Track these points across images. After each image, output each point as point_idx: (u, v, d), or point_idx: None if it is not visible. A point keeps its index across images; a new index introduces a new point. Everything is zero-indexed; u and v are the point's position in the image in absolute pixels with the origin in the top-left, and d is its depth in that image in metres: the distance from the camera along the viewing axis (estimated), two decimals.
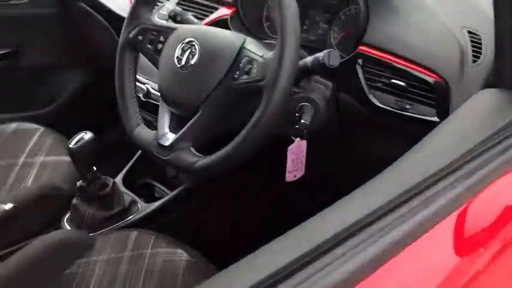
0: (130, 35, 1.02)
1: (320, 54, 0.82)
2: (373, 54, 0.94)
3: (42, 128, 1.52)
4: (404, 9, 0.96)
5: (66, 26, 1.87)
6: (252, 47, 0.87)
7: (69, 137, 1.47)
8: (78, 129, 1.94)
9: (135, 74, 1.06)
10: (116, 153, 1.56)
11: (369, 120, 0.97)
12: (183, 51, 0.92)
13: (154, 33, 1.00)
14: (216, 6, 1.19)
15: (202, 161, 0.86)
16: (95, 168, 1.19)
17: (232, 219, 1.43)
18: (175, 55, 0.93)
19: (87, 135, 1.19)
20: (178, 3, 1.24)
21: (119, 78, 1.05)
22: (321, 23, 1.10)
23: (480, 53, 0.91)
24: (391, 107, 0.92)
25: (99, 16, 1.58)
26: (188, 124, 0.90)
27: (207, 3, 1.19)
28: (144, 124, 1.02)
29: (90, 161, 1.19)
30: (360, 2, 0.97)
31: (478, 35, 0.93)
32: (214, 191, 1.38)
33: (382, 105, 0.93)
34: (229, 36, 0.92)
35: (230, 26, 1.14)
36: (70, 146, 1.17)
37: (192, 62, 0.90)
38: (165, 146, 0.92)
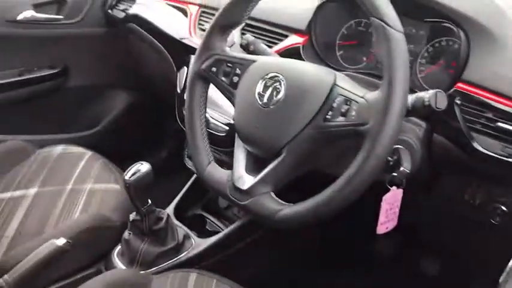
0: (203, 66, 0.95)
1: (424, 95, 0.72)
2: (474, 93, 0.84)
3: (89, 153, 1.46)
4: (508, 42, 0.87)
5: (114, 46, 1.84)
6: (345, 84, 0.78)
7: (114, 160, 1.44)
8: (122, 152, 1.92)
9: (205, 106, 0.98)
10: (162, 179, 1.50)
11: (468, 166, 0.87)
12: (266, 86, 0.84)
13: (229, 64, 0.92)
14: (285, 33, 1.11)
15: (288, 209, 0.77)
16: (149, 201, 1.12)
17: (292, 264, 1.33)
18: (257, 91, 0.85)
19: (144, 167, 1.12)
20: (243, 30, 1.17)
21: (188, 111, 0.97)
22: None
23: None
24: (496, 154, 0.83)
25: (150, 37, 1.53)
26: (269, 167, 0.82)
27: (276, 30, 1.11)
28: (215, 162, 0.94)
29: (146, 194, 1.12)
30: (459, 34, 0.88)
31: None
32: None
33: (485, 151, 0.83)
34: (319, 72, 0.83)
35: (303, 55, 1.06)
36: (126, 178, 1.10)
37: (277, 99, 0.82)
38: (242, 189, 0.83)
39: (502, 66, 0.85)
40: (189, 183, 1.43)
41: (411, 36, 0.99)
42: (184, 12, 1.41)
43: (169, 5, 1.51)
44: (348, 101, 0.74)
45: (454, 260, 1.25)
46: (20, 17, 1.60)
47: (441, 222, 1.01)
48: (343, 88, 0.77)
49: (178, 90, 1.33)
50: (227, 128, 1.18)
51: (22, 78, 1.66)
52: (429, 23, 0.95)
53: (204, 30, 1.30)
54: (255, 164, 0.87)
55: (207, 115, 1.20)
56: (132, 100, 1.94)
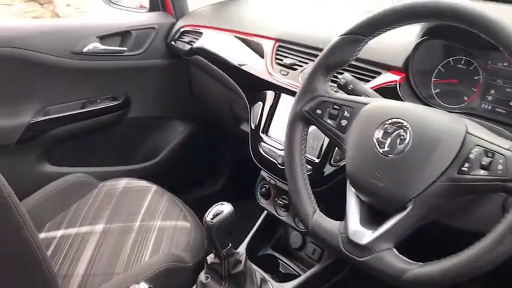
0: (306, 108, 0.91)
1: None
2: None
3: (154, 187, 1.43)
4: None
5: (176, 78, 1.83)
6: (481, 133, 0.72)
7: (172, 191, 1.40)
8: (180, 183, 1.89)
9: (305, 150, 0.93)
10: None
11: None
12: (387, 133, 0.78)
13: (336, 107, 0.87)
14: (378, 71, 1.06)
15: (419, 269, 0.70)
16: (230, 243, 1.06)
17: None
18: (375, 136, 0.79)
19: (227, 208, 1.07)
20: None
21: (288, 154, 0.93)
22: None
23: None
24: None
25: (219, 70, 1.50)
26: (392, 221, 0.75)
27: (368, 67, 1.06)
28: (318, 209, 0.88)
29: (227, 237, 1.07)
30: None
31: None
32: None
33: None
34: (447, 119, 0.77)
35: (400, 93, 1.01)
36: (208, 219, 1.05)
37: (401, 147, 0.76)
38: (360, 244, 0.77)
39: None
40: (259, 220, 1.38)
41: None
42: (258, 47, 1.37)
43: (238, 38, 1.48)
44: (489, 152, 0.68)
45: None
46: (85, 49, 1.60)
47: None
48: (479, 138, 0.71)
49: (253, 126, 1.29)
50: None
51: (85, 111, 1.65)
52: None
53: (282, 65, 1.26)
54: (370, 216, 0.81)
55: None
56: (190, 131, 1.92)
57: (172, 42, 1.73)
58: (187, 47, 1.65)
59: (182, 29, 1.71)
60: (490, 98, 0.98)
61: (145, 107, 1.81)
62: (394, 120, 0.78)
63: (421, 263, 0.71)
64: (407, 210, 0.74)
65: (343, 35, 0.87)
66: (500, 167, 0.66)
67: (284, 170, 1.16)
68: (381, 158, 0.77)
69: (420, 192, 0.72)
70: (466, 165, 0.69)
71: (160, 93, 1.82)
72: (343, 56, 0.87)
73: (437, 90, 1.04)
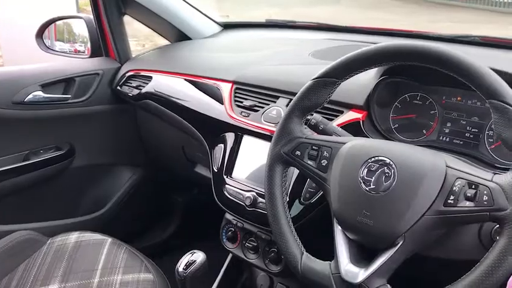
0: (284, 150, 0.92)
1: None
2: None
3: (109, 239, 1.36)
4: None
5: (122, 123, 1.78)
6: (460, 166, 0.76)
7: (126, 240, 1.34)
8: (134, 232, 1.81)
9: (287, 192, 0.93)
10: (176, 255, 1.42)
11: None
12: (371, 171, 0.81)
13: (314, 147, 0.89)
14: (341, 109, 1.10)
15: None
16: None
17: None
18: (360, 175, 0.81)
19: (199, 257, 1.04)
20: None
21: (269, 198, 0.92)
22: (469, 127, 1.02)
23: None
24: None
25: (173, 114, 1.48)
26: (384, 258, 0.76)
27: (331, 106, 1.10)
28: (303, 250, 0.88)
29: (201, 285, 1.03)
30: None
31: None
32: None
33: None
34: (427, 154, 0.81)
35: (364, 130, 1.05)
36: (180, 270, 1.02)
37: (387, 184, 0.78)
38: (354, 284, 0.77)
39: None
40: (225, 265, 1.35)
41: (476, 109, 1.01)
42: (214, 90, 1.38)
43: (189, 81, 1.47)
44: (472, 184, 0.72)
45: None
46: (27, 98, 1.52)
47: None
48: (460, 170, 0.75)
49: (215, 169, 1.28)
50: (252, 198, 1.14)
51: (28, 163, 1.55)
52: None
53: (242, 107, 1.27)
54: (360, 254, 0.82)
55: (253, 194, 1.16)
56: (139, 176, 1.87)
57: (118, 87, 1.69)
58: (135, 91, 1.61)
59: (128, 74, 1.68)
60: (447, 130, 1.04)
61: (91, 154, 1.73)
62: (377, 158, 0.81)
63: None
64: (398, 245, 0.76)
65: (317, 78, 0.89)
66: (485, 197, 0.70)
67: (253, 212, 1.16)
68: (368, 196, 0.79)
69: (410, 227, 0.75)
70: (452, 197, 0.73)
71: (106, 139, 1.76)
72: (318, 99, 0.90)
73: (396, 125, 1.09)
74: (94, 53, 1.76)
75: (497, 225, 0.75)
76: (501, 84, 0.72)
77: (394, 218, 0.76)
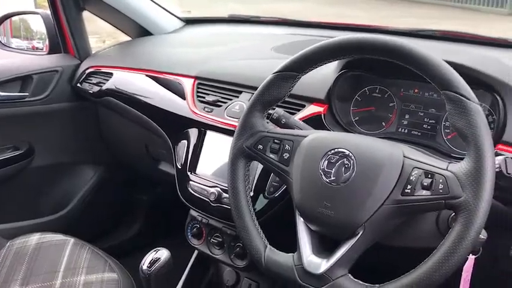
0: (247, 144, 0.91)
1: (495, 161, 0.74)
2: None
3: (71, 239, 1.33)
4: None
5: (83, 121, 1.74)
6: (417, 156, 0.78)
7: (91, 241, 1.32)
8: (97, 232, 1.78)
9: (250, 186, 0.93)
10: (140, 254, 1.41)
11: None
12: (331, 163, 0.81)
13: (276, 141, 0.89)
14: (303, 103, 1.11)
15: None
16: None
17: None
18: (320, 167, 0.82)
19: (163, 254, 1.03)
20: None
21: (233, 193, 0.92)
22: (426, 118, 1.04)
23: None
24: None
25: (134, 111, 1.46)
26: (345, 248, 0.78)
27: (293, 100, 1.10)
28: (269, 244, 0.88)
29: (166, 284, 1.02)
30: (495, 98, 0.92)
31: None
32: None
33: None
34: (385, 145, 0.82)
35: (325, 123, 1.06)
36: (144, 268, 1.01)
37: (347, 175, 0.79)
38: (316, 274, 0.78)
39: None
40: (190, 262, 1.34)
41: (433, 100, 1.03)
42: (176, 85, 1.36)
43: (151, 77, 1.45)
44: (428, 174, 0.74)
45: None
46: None
47: (487, 280, 1.02)
48: (416, 160, 0.76)
49: (179, 166, 1.26)
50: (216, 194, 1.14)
51: None
52: None
53: (205, 102, 1.26)
54: (322, 244, 0.83)
55: (218, 189, 1.15)
56: (101, 175, 1.83)
57: (78, 85, 1.65)
58: (96, 88, 1.58)
59: (88, 71, 1.65)
60: (405, 122, 1.06)
61: (51, 154, 1.69)
62: (337, 150, 0.82)
63: (377, 285, 0.74)
64: (359, 235, 0.77)
65: (277, 72, 0.90)
66: (441, 186, 0.72)
67: (217, 208, 1.16)
68: (328, 187, 0.80)
69: (369, 216, 0.76)
70: (409, 187, 0.75)
71: (66, 138, 1.72)
72: (279, 93, 0.90)
73: (357, 118, 1.11)
74: (52, 50, 1.71)
75: (454, 213, 0.77)
76: (454, 75, 0.74)
77: (354, 209, 0.78)
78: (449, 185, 0.71)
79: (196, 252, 1.35)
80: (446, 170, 0.72)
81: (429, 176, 0.73)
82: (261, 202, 1.11)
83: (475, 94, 0.82)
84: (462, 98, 0.72)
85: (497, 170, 0.74)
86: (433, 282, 0.69)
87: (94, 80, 1.60)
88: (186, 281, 1.31)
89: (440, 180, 0.72)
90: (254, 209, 1.09)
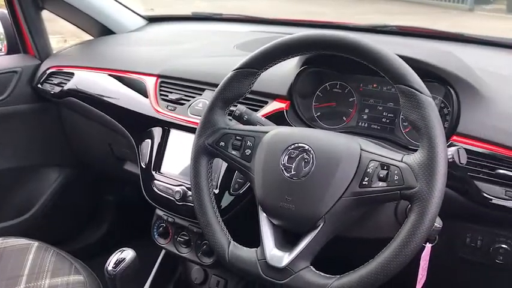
0: (209, 141, 0.92)
1: (448, 152, 0.77)
2: (470, 144, 0.90)
3: (35, 243, 1.31)
4: (490, 96, 0.94)
5: (45, 122, 1.71)
6: (374, 149, 0.80)
7: (56, 245, 1.30)
8: (63, 235, 1.74)
9: (212, 183, 0.94)
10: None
11: (471, 212, 0.93)
12: (291, 157, 0.83)
13: (238, 138, 0.90)
14: (265, 100, 1.12)
15: (338, 282, 0.74)
16: None
17: None
18: (281, 162, 0.83)
19: (129, 254, 1.02)
20: None
21: (196, 190, 0.92)
22: (385, 112, 1.07)
23: None
24: (500, 198, 0.89)
25: (97, 111, 1.44)
26: (306, 241, 0.79)
27: (255, 97, 1.11)
28: (232, 240, 0.89)
29: (133, 284, 1.02)
30: (449, 92, 0.95)
31: None
32: None
33: (489, 197, 0.89)
34: (343, 139, 0.84)
35: (288, 119, 1.07)
36: (110, 268, 1.00)
37: (307, 169, 0.81)
38: (279, 268, 0.79)
39: (490, 118, 0.93)
40: (158, 261, 1.34)
41: (391, 95, 1.06)
42: (138, 84, 1.35)
43: (113, 76, 1.44)
44: (384, 165, 0.76)
45: None
46: None
47: (446, 267, 1.06)
48: (373, 153, 0.79)
49: (143, 165, 1.26)
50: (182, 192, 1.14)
51: None
52: None
53: (168, 101, 1.26)
54: (284, 238, 0.84)
55: (183, 188, 1.15)
56: (66, 177, 1.80)
57: (39, 85, 1.62)
58: (57, 89, 1.55)
59: (49, 71, 1.61)
60: (365, 116, 1.09)
61: (13, 157, 1.65)
62: (297, 145, 0.83)
63: (338, 276, 0.76)
64: (319, 228, 0.79)
65: (237, 69, 0.90)
66: (396, 177, 0.74)
67: (183, 206, 1.16)
68: (289, 182, 0.82)
69: (329, 209, 0.78)
70: (366, 179, 0.77)
71: (28, 140, 1.68)
72: (240, 89, 0.91)
73: (319, 113, 1.13)
74: (11, 50, 1.68)
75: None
76: (407, 69, 0.76)
77: (314, 202, 0.79)
78: (404, 176, 0.73)
79: (163, 251, 1.34)
80: (401, 161, 0.75)
81: (385, 168, 0.75)
82: (227, 199, 1.11)
83: (429, 87, 0.85)
84: (414, 91, 0.74)
85: (450, 160, 0.76)
86: (391, 271, 0.71)
87: (55, 81, 1.57)
88: (154, 280, 1.30)
89: (396, 172, 0.74)
90: (220, 206, 1.10)
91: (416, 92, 0.74)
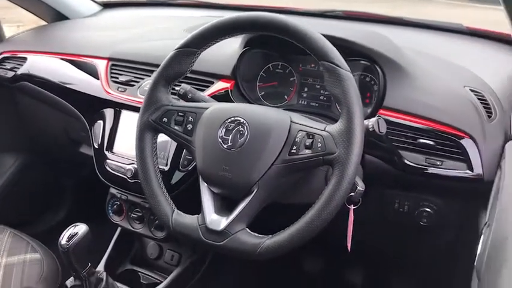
0: (152, 118, 0.97)
1: (368, 123, 0.84)
2: (395, 116, 0.99)
3: None
4: (415, 73, 1.03)
5: (0, 108, 1.70)
6: (302, 121, 0.87)
7: (18, 229, 1.32)
8: (23, 219, 1.76)
9: (157, 157, 0.99)
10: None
11: (397, 179, 1.01)
12: (228, 130, 0.89)
13: (180, 114, 0.95)
14: (211, 80, 1.17)
15: (270, 241, 0.82)
16: (89, 263, 1.06)
17: None
18: (219, 135, 0.89)
19: (82, 229, 1.06)
20: None
21: (141, 164, 0.97)
22: (322, 90, 1.14)
23: (490, 109, 1.01)
24: (421, 165, 0.98)
25: (50, 94, 1.46)
26: (242, 205, 0.86)
27: (201, 77, 1.17)
28: (176, 209, 0.95)
29: (85, 257, 1.06)
30: (376, 69, 1.02)
31: (480, 93, 1.02)
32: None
33: (412, 164, 0.98)
34: (275, 113, 0.91)
35: (232, 98, 1.13)
36: (63, 242, 1.04)
37: (242, 140, 0.87)
38: (217, 231, 0.86)
39: (413, 93, 1.01)
40: (114, 238, 1.39)
41: None
42: (90, 67, 1.38)
43: (66, 60, 1.46)
44: (310, 135, 0.83)
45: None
46: None
47: (378, 230, 1.15)
48: (301, 124, 0.86)
49: (96, 146, 1.30)
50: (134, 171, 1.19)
51: None
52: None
53: (118, 82, 1.30)
54: (223, 205, 0.91)
55: (134, 166, 1.20)
56: (22, 162, 1.80)
57: None
58: (11, 73, 1.56)
59: (2, 56, 1.62)
60: (305, 95, 1.16)
61: None
62: (233, 118, 0.90)
63: (270, 236, 0.83)
64: (253, 193, 0.86)
65: (177, 48, 0.95)
66: (319, 144, 0.81)
67: (135, 183, 1.21)
68: (226, 153, 0.88)
69: (261, 175, 0.85)
70: (294, 147, 0.84)
71: None
72: (180, 68, 0.96)
73: (263, 93, 1.19)
74: None
75: None
76: (329, 47, 0.83)
77: (248, 170, 0.86)
78: (326, 143, 0.81)
79: (119, 228, 1.39)
80: (324, 130, 0.82)
81: (310, 137, 0.83)
82: (177, 176, 1.17)
83: (356, 65, 0.92)
84: (335, 66, 0.82)
85: (371, 129, 0.84)
86: (314, 228, 0.79)
87: (8, 66, 1.58)
88: (110, 257, 1.35)
89: (319, 140, 0.82)
90: (171, 183, 1.16)
91: (337, 67, 0.82)
